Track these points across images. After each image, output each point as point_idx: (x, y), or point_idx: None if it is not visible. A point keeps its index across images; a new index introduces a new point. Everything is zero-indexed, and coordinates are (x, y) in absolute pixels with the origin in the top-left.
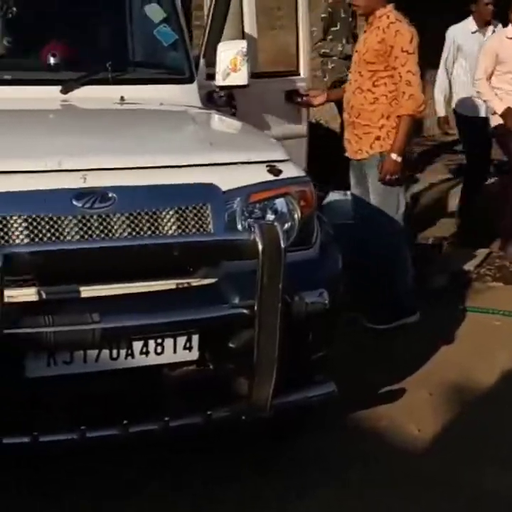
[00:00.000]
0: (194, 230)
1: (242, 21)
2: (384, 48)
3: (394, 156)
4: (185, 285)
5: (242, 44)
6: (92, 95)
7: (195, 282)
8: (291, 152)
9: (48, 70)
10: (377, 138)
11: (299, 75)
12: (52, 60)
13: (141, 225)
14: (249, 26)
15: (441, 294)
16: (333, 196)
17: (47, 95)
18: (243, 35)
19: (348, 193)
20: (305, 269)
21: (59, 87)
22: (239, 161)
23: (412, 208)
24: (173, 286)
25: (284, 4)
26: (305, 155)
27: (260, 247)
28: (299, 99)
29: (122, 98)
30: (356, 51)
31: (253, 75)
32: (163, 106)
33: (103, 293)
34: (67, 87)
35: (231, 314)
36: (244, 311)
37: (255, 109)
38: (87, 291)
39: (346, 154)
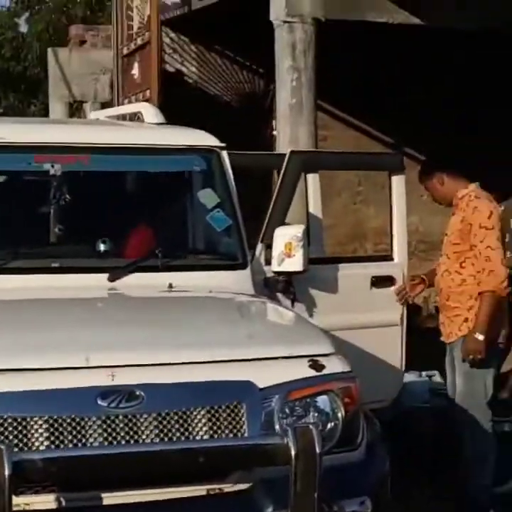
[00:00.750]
0: (227, 432)
1: (307, 203)
2: (465, 226)
3: (476, 334)
4: (217, 491)
5: (298, 229)
6: (140, 283)
7: (227, 488)
8: (382, 341)
9: (97, 257)
10: (466, 320)
11: (393, 260)
12: (101, 247)
13: (169, 426)
14: (314, 208)
15: None
16: (408, 377)
17: (94, 283)
18: (307, 218)
19: (424, 374)
20: (347, 474)
21: (107, 275)
22: (279, 356)
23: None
24: (204, 492)
25: (365, 179)
26: (400, 344)
27: (293, 452)
28: (398, 290)
29: (170, 285)
30: (446, 234)
31: (336, 260)
32: (211, 294)
33: (127, 500)
34: (114, 275)
35: None
36: None
37: (331, 296)
38: (109, 498)
39: (442, 338)
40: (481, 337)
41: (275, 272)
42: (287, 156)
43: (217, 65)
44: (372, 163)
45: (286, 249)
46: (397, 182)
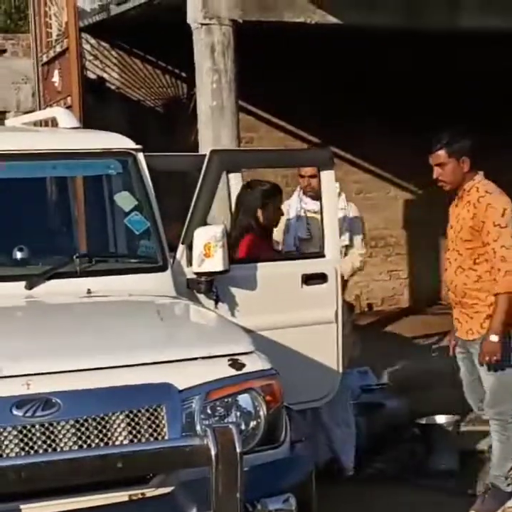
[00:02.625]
0: (147, 435)
1: (230, 203)
2: (477, 223)
3: (491, 336)
4: (139, 496)
5: (217, 229)
6: (58, 289)
7: (149, 492)
8: (317, 339)
9: (14, 265)
10: (488, 317)
11: (324, 256)
12: (18, 255)
13: (88, 432)
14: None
15: (450, 476)
16: None
17: (11, 292)
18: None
19: (356, 370)
20: (271, 472)
21: (24, 283)
22: (198, 356)
23: None
24: (126, 498)
25: (292, 180)
26: (336, 342)
27: (213, 452)
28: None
29: (89, 291)
30: (451, 227)
31: (265, 258)
32: (131, 297)
33: (47, 510)
34: (31, 283)
35: None
36: None
37: (260, 295)
38: (28, 509)
39: (457, 334)
40: (495, 338)
41: (196, 273)
42: (208, 155)
43: (139, 70)
44: (301, 159)
45: (205, 249)
46: (327, 177)
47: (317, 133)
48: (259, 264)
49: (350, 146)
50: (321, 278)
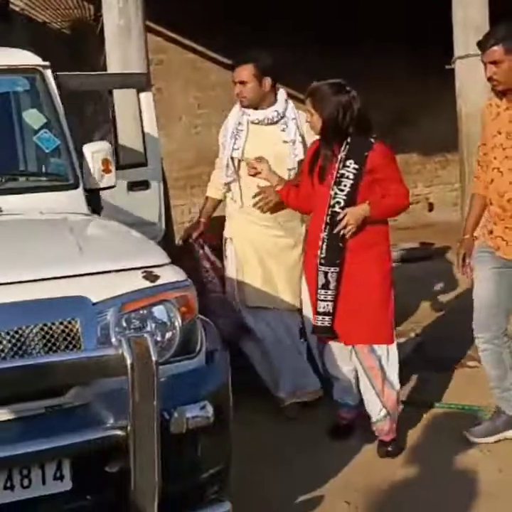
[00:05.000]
0: (63, 348)
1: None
2: None
3: None
4: (56, 408)
5: (108, 144)
6: None
7: (66, 404)
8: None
9: None
10: None
11: (146, 166)
12: None
13: (1, 346)
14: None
15: None
16: None
17: None
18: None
19: None
20: (187, 381)
21: None
22: (111, 269)
23: None
24: (42, 410)
25: (205, 103)
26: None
27: (128, 362)
28: None
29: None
30: (499, 133)
31: None
32: (42, 215)
33: None
34: None
35: (103, 437)
36: (119, 432)
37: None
38: None
39: (498, 253)
40: None
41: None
42: None
43: None
44: (120, 81)
45: (104, 165)
46: (145, 98)
47: (227, 54)
48: None
49: None
50: (144, 184)
